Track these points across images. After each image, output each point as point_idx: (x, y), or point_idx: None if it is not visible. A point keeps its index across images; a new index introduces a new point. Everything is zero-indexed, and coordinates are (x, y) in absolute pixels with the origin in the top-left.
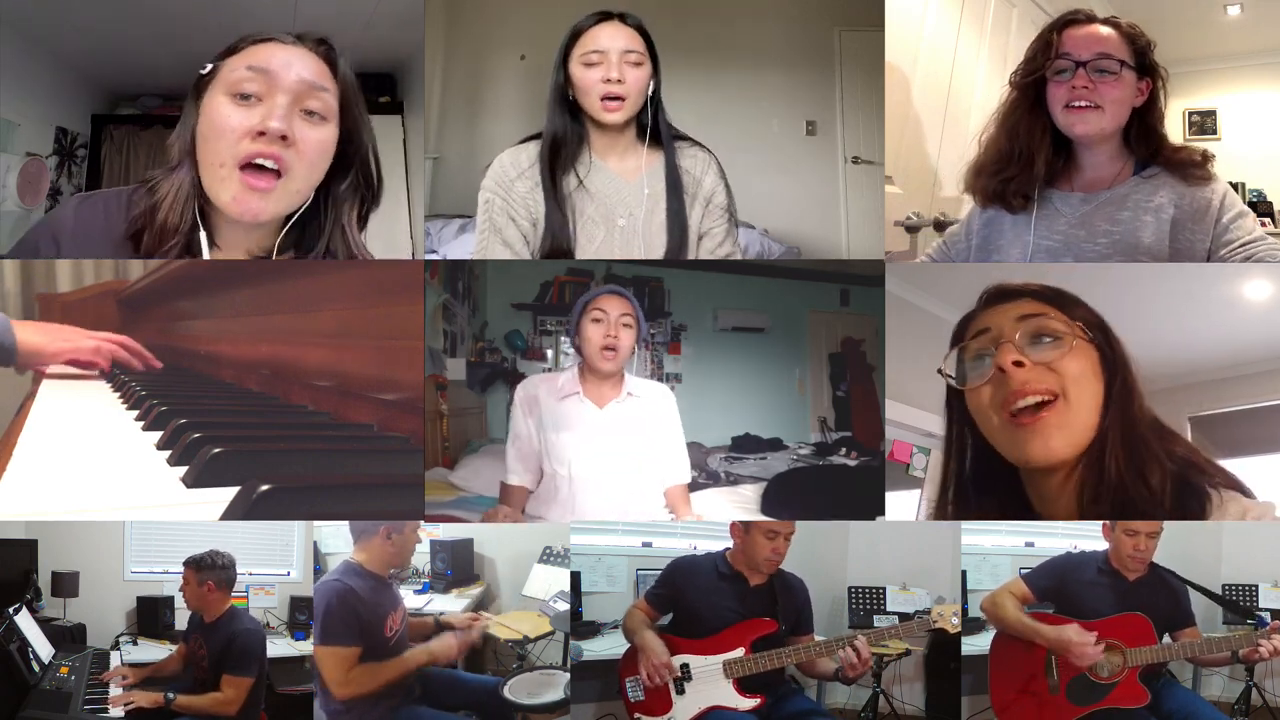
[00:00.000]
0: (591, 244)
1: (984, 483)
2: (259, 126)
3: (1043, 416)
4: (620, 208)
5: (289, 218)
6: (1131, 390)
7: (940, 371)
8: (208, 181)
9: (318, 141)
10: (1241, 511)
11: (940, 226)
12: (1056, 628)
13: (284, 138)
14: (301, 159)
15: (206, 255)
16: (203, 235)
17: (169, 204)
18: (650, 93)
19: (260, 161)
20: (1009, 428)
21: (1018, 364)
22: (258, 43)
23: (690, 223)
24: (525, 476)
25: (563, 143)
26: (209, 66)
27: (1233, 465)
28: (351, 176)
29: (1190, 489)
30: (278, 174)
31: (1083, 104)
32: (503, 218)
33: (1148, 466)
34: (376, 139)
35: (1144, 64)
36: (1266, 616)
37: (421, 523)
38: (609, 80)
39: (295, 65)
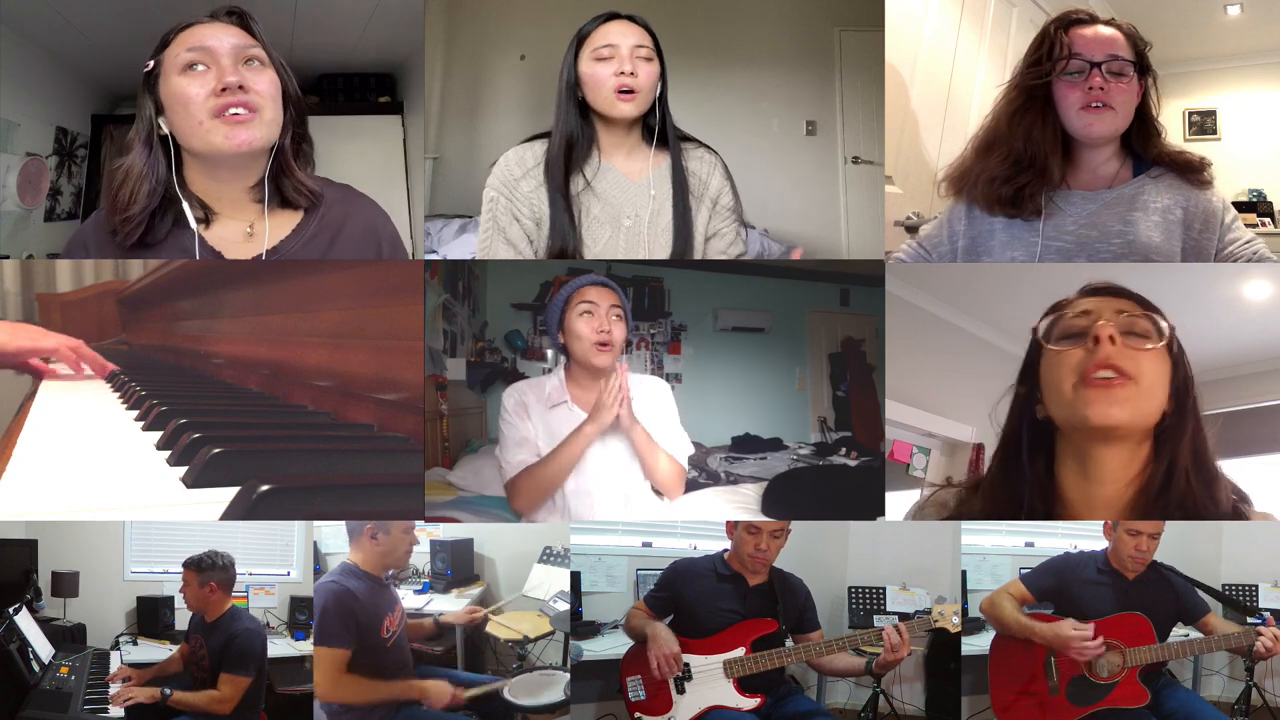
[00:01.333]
0: (597, 244)
1: (1036, 441)
2: (218, 85)
3: (1114, 385)
4: (626, 208)
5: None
6: (1198, 411)
7: (1034, 330)
8: (196, 143)
9: (269, 80)
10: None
11: None
12: (1052, 624)
13: (241, 87)
14: (263, 96)
15: (193, 226)
16: (187, 208)
17: (120, 182)
18: (658, 93)
19: (233, 111)
20: (1080, 388)
21: (1111, 339)
22: (183, 30)
23: (696, 224)
24: None
25: (575, 143)
26: (151, 63)
27: (1233, 465)
28: (290, 110)
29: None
30: (250, 113)
31: (1099, 105)
32: (506, 217)
33: (1217, 484)
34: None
35: (1142, 65)
36: (1265, 616)
37: (416, 522)
38: (622, 73)
39: (222, 35)
